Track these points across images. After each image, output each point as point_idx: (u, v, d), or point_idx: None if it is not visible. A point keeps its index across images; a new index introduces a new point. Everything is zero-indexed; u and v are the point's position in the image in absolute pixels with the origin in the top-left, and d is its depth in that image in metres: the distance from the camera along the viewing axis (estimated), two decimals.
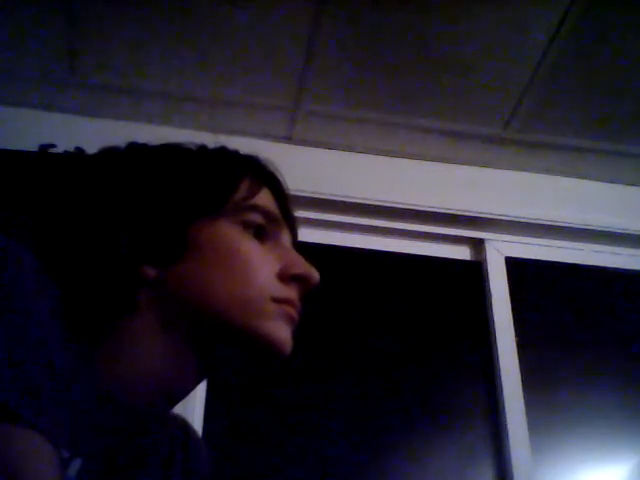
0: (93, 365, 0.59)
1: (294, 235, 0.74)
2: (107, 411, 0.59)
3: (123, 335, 0.62)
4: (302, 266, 0.68)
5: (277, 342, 0.64)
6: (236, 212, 0.67)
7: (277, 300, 0.65)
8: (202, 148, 0.73)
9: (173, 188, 0.67)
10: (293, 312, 0.67)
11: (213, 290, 0.64)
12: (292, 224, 0.74)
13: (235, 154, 0.74)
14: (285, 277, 0.67)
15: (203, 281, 0.64)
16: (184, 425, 0.78)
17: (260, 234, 0.68)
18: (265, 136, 1.77)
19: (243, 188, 0.69)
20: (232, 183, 0.69)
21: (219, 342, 0.65)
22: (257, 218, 0.68)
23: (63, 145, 1.65)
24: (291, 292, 0.67)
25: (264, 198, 0.70)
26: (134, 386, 0.61)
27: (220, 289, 0.64)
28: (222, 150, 0.74)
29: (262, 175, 0.72)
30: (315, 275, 0.68)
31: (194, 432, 0.79)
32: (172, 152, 0.72)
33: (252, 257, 0.66)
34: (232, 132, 1.71)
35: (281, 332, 0.65)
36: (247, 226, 0.67)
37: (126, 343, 0.62)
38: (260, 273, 0.66)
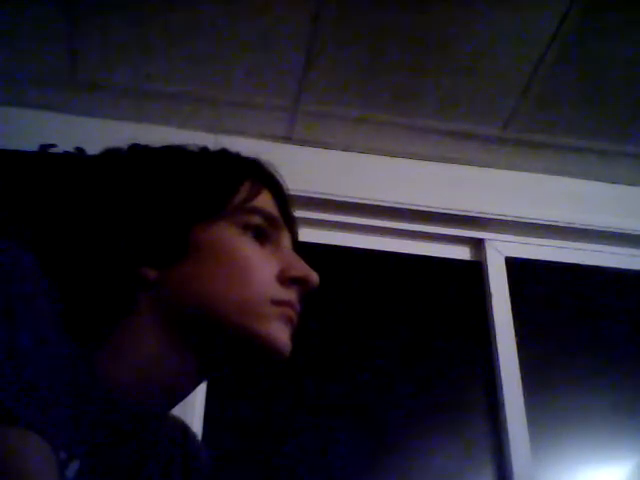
0: (93, 366, 0.59)
1: (294, 237, 0.74)
2: (106, 412, 0.59)
3: (123, 336, 0.62)
4: (301, 268, 0.68)
5: (276, 344, 0.64)
6: (236, 215, 0.67)
7: (276, 302, 0.65)
8: (203, 150, 0.73)
9: (174, 190, 0.67)
10: (292, 314, 0.67)
11: (212, 292, 0.64)
12: (292, 226, 0.74)
13: (236, 157, 0.74)
14: (284, 279, 0.67)
15: (203, 283, 0.64)
16: (183, 427, 0.78)
17: (260, 236, 0.68)
18: (265, 136, 1.77)
19: (243, 191, 0.69)
20: (232, 186, 0.69)
21: (218, 343, 0.65)
22: (257, 220, 0.68)
23: (63, 145, 1.66)
24: (290, 294, 0.67)
25: (264, 201, 0.70)
26: (133, 387, 0.61)
27: (219, 291, 0.64)
28: (223, 152, 0.74)
29: (263, 177, 0.72)
30: (314, 277, 0.68)
31: (193, 434, 0.79)
32: (173, 154, 0.72)
33: (251, 259, 0.66)
34: (232, 132, 1.72)
35: (280, 334, 0.65)
36: (247, 228, 0.67)
37: (126, 344, 0.62)
38: (259, 275, 0.66)
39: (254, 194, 0.69)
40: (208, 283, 0.64)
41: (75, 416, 0.54)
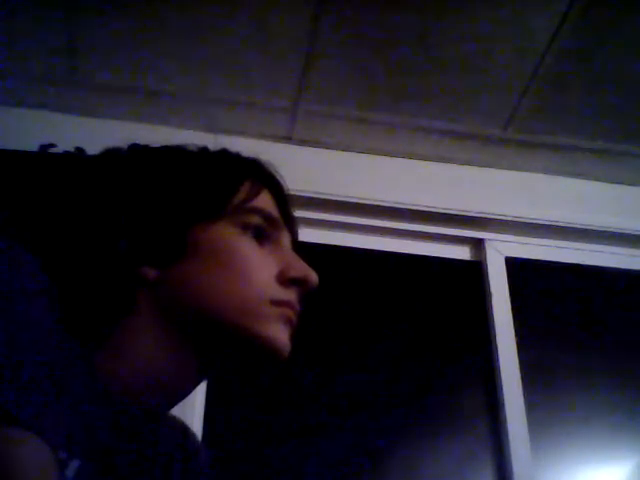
0: (93, 365, 0.59)
1: (294, 236, 0.74)
2: (107, 411, 0.59)
3: (123, 335, 0.62)
4: (300, 268, 0.68)
5: (275, 345, 0.64)
6: (236, 215, 0.67)
7: (276, 303, 0.65)
8: (203, 150, 0.73)
9: (174, 190, 0.67)
10: (292, 314, 0.67)
11: (212, 292, 0.64)
12: (292, 226, 0.74)
13: (236, 156, 0.74)
14: (284, 279, 0.67)
15: (202, 283, 0.64)
16: (183, 427, 0.78)
17: (260, 236, 0.68)
18: (265, 136, 1.77)
19: (243, 191, 0.69)
20: (232, 186, 0.69)
21: (218, 344, 0.65)
22: (257, 220, 0.68)
23: (63, 145, 1.66)
24: (290, 294, 0.67)
25: (264, 201, 0.70)
26: (133, 386, 0.61)
27: (219, 291, 0.64)
28: (223, 152, 0.74)
29: (262, 177, 0.72)
30: (313, 277, 0.68)
31: (193, 434, 0.79)
32: (173, 155, 0.72)
33: (251, 260, 0.66)
34: (232, 132, 1.72)
35: (279, 335, 0.65)
36: (247, 228, 0.67)
37: (126, 343, 0.62)
38: (259, 275, 0.66)
39: (254, 194, 0.69)
40: (207, 283, 0.64)
41: (75, 415, 0.54)
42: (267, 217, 0.69)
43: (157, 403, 0.64)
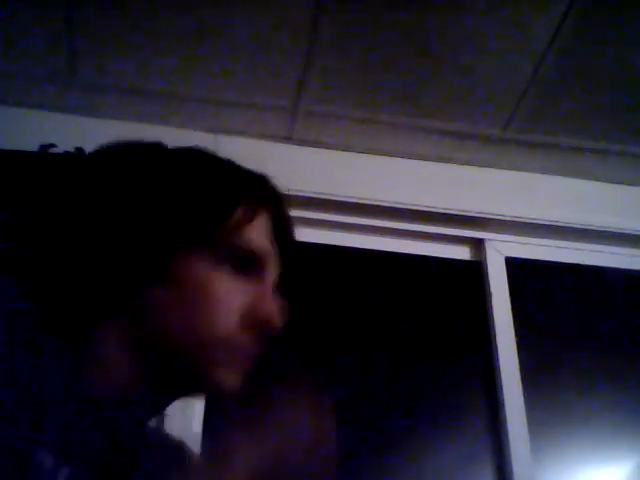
0: (79, 372, 0.60)
1: (286, 262, 0.72)
2: (95, 416, 0.60)
3: (100, 345, 0.63)
4: (267, 311, 0.67)
5: (222, 389, 0.65)
6: (222, 245, 0.66)
7: (233, 348, 0.65)
8: (202, 163, 0.70)
9: (160, 216, 0.65)
10: (249, 358, 0.67)
11: (175, 325, 0.64)
12: (285, 251, 0.72)
13: (236, 174, 0.71)
14: (249, 320, 0.66)
15: (168, 313, 0.64)
16: (178, 442, 0.78)
17: (243, 266, 0.67)
18: (265, 136, 1.77)
19: (235, 217, 0.66)
20: (223, 215, 0.66)
21: (173, 373, 0.65)
22: (240, 254, 0.67)
23: (63, 145, 1.65)
24: (250, 338, 0.66)
25: (257, 229, 0.68)
26: (108, 394, 0.61)
27: (182, 326, 0.64)
28: (223, 168, 0.71)
29: (262, 199, 0.70)
30: (276, 322, 0.67)
31: (185, 444, 0.79)
32: (166, 169, 0.69)
33: (220, 300, 0.65)
34: (232, 132, 1.72)
35: (228, 380, 0.65)
36: (227, 260, 0.66)
37: (100, 353, 0.63)
38: (223, 318, 0.65)
39: (246, 221, 0.67)
40: (173, 315, 0.64)
41: (64, 420, 0.54)
42: (254, 250, 0.68)
43: (132, 412, 0.64)
